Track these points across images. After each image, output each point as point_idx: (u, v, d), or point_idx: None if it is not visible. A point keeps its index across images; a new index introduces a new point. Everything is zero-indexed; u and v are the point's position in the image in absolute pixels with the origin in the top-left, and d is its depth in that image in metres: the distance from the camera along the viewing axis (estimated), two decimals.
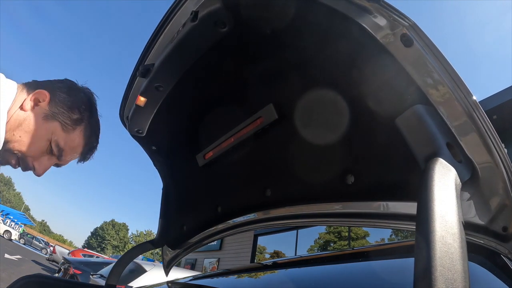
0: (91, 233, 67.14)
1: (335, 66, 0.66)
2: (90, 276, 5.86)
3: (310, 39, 0.64)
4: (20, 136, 0.75)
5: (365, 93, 0.64)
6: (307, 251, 9.21)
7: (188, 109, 0.93)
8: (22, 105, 0.76)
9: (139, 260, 5.94)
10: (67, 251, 18.88)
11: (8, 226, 28.16)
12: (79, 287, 1.73)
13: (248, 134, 0.87)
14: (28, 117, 0.76)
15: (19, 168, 0.79)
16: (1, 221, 27.32)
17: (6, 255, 13.51)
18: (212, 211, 1.15)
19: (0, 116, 0.69)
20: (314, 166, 0.83)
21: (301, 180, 0.87)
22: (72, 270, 6.48)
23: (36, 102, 0.77)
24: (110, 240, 64.00)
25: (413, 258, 0.37)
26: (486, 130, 0.51)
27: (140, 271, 4.83)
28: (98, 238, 64.66)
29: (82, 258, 11.67)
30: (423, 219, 0.39)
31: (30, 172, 0.80)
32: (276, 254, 10.40)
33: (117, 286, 1.28)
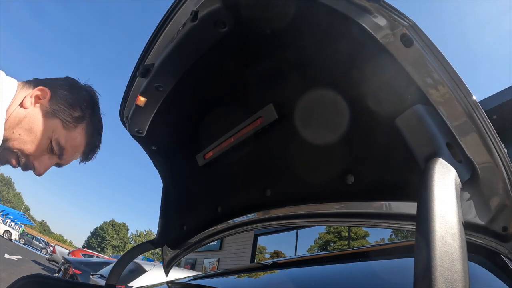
0: (91, 233, 67.15)
1: (335, 66, 0.66)
2: (90, 276, 5.86)
3: (310, 39, 0.64)
4: (19, 134, 0.73)
5: (365, 93, 0.64)
6: (307, 251, 9.21)
7: (188, 109, 0.93)
8: (22, 102, 0.74)
9: (139, 260, 5.94)
10: (67, 251, 18.88)
11: (8, 226, 28.16)
12: (79, 287, 1.73)
13: (248, 134, 0.87)
14: (28, 115, 0.74)
15: (19, 168, 0.78)
16: (1, 221, 27.31)
17: (6, 255, 13.51)
18: (212, 211, 1.15)
19: None
20: (314, 166, 0.83)
21: (301, 180, 0.87)
22: (72, 270, 6.49)
23: (36, 100, 0.76)
24: (110, 240, 63.99)
25: (413, 258, 0.37)
26: (486, 130, 0.51)
27: (140, 271, 4.83)
28: (98, 238, 64.65)
29: (82, 258, 11.67)
30: (423, 219, 0.39)
31: (30, 172, 0.78)
32: (276, 254, 10.40)
33: (117, 286, 1.28)
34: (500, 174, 0.53)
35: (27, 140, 0.74)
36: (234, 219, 1.13)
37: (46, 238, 42.49)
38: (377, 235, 7.66)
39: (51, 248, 24.39)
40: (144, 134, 0.97)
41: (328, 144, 0.76)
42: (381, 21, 0.50)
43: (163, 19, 0.71)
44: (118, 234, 65.29)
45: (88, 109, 0.82)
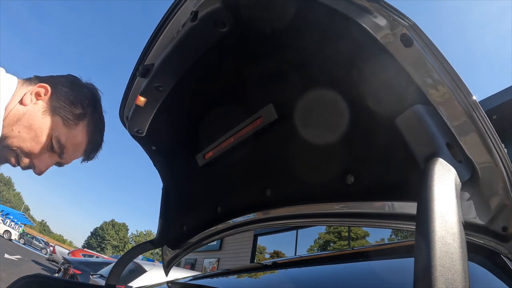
0: (91, 233, 67.16)
1: (335, 66, 0.66)
2: (90, 276, 5.86)
3: (310, 39, 0.64)
4: (19, 132, 0.71)
5: (365, 93, 0.64)
6: (307, 251, 9.21)
7: (188, 109, 0.93)
8: (22, 99, 0.73)
9: (139, 260, 5.94)
10: (67, 251, 18.89)
11: (8, 226, 28.16)
12: (79, 287, 1.73)
13: (248, 134, 0.87)
14: (28, 112, 0.72)
15: (19, 167, 0.76)
16: (1, 221, 27.31)
17: (6, 255, 13.51)
18: (212, 211, 1.15)
19: None
20: (314, 166, 0.83)
21: (301, 180, 0.87)
22: (72, 270, 6.49)
23: (37, 97, 0.74)
24: (110, 240, 64.00)
25: (413, 258, 0.37)
26: (486, 130, 0.51)
27: (140, 271, 4.83)
28: (98, 238, 64.66)
29: (82, 258, 11.67)
30: (423, 219, 0.39)
31: (30, 172, 0.77)
32: (276, 254, 10.41)
33: (117, 286, 1.28)
34: (500, 174, 0.53)
35: (27, 138, 0.72)
36: (234, 219, 1.13)
37: (46, 238, 42.50)
38: (377, 235, 7.67)
39: (51, 248, 24.40)
40: (144, 134, 0.97)
41: (328, 144, 0.76)
42: (381, 21, 0.50)
43: (163, 19, 0.71)
44: (118, 234, 65.29)
45: (89, 107, 0.80)
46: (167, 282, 1.36)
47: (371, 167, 0.72)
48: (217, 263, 11.91)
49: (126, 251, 1.37)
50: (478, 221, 0.59)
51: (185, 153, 1.09)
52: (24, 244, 28.70)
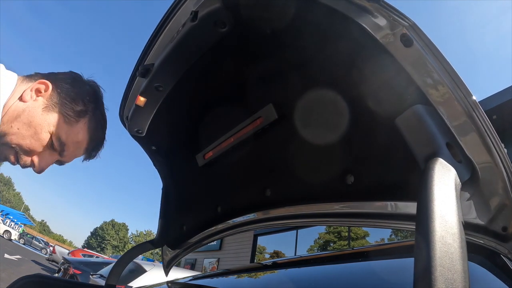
0: (91, 233, 67.16)
1: (335, 66, 0.66)
2: (90, 276, 5.86)
3: (310, 39, 0.64)
4: (18, 128, 0.70)
5: (365, 93, 0.64)
6: (307, 251, 9.21)
7: (188, 109, 0.93)
8: (21, 96, 0.71)
9: (139, 260, 5.95)
10: (67, 251, 18.89)
11: (8, 226, 28.17)
12: (79, 287, 1.73)
13: (248, 134, 0.87)
14: (27, 108, 0.70)
15: (19, 166, 0.74)
16: (1, 221, 27.31)
17: (6, 255, 13.50)
18: (212, 211, 1.15)
19: None
20: (314, 166, 0.83)
21: (301, 180, 0.87)
22: (72, 270, 6.49)
23: (37, 93, 0.72)
24: (110, 240, 64.00)
25: (413, 258, 0.37)
26: (485, 130, 0.51)
27: (140, 271, 4.83)
28: (98, 238, 64.66)
29: (81, 258, 11.67)
30: (423, 219, 0.39)
31: (30, 171, 0.76)
32: (276, 254, 10.41)
33: (117, 286, 1.28)
34: (500, 174, 0.53)
35: (26, 135, 0.70)
36: (234, 219, 1.13)
37: (46, 238, 42.52)
38: (377, 235, 7.67)
39: (51, 248, 24.41)
40: (144, 134, 0.97)
41: (328, 144, 0.76)
42: (381, 21, 0.50)
43: (163, 19, 0.71)
44: (118, 234, 65.29)
45: (91, 103, 0.78)
46: (167, 282, 1.36)
47: (371, 167, 0.72)
48: (217, 263, 11.91)
49: (126, 251, 1.37)
50: (478, 221, 0.59)
51: (185, 153, 1.09)
52: (24, 244, 28.71)
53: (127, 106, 0.92)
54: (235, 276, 1.33)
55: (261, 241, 10.79)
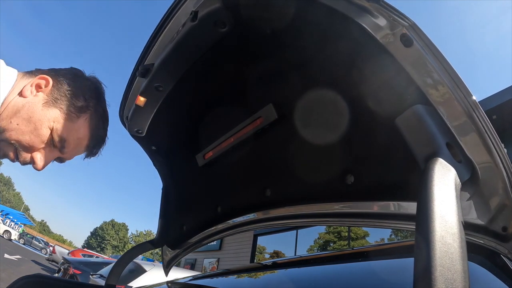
0: (91, 233, 67.17)
1: (335, 66, 0.66)
2: (90, 276, 5.86)
3: (310, 39, 0.64)
4: (17, 124, 0.68)
5: (365, 93, 0.64)
6: (307, 251, 9.21)
7: (188, 109, 0.93)
8: (21, 91, 0.70)
9: (139, 260, 5.95)
10: (67, 251, 18.89)
11: (8, 226, 28.18)
12: (79, 287, 1.73)
13: (248, 134, 0.87)
14: (27, 104, 0.69)
15: (19, 164, 0.72)
16: (1, 221, 27.31)
17: (6, 255, 13.50)
18: (212, 211, 1.15)
19: None
20: (314, 166, 0.83)
21: (301, 180, 0.87)
22: (71, 270, 6.49)
23: (37, 88, 0.71)
24: (109, 240, 64.00)
25: (413, 258, 0.37)
26: (485, 130, 0.51)
27: (140, 271, 4.84)
28: (98, 238, 64.67)
29: (81, 258, 11.67)
30: (423, 219, 0.39)
31: (30, 170, 0.75)
32: (276, 254, 10.41)
33: (117, 286, 1.28)
34: (499, 174, 0.53)
35: (26, 131, 0.69)
36: (234, 219, 1.13)
37: (45, 238, 42.52)
38: (377, 235, 7.67)
39: (51, 248, 24.42)
40: (144, 134, 0.97)
41: (328, 144, 0.76)
42: (381, 21, 0.50)
43: (163, 19, 0.71)
44: (118, 234, 65.30)
45: (92, 99, 0.77)
46: (167, 282, 1.36)
47: (371, 167, 0.72)
48: (217, 263, 11.91)
49: (126, 251, 1.37)
50: (478, 221, 0.59)
51: (185, 153, 1.09)
52: (24, 244, 28.71)
53: (127, 106, 0.92)
54: (235, 276, 1.33)
55: (261, 241, 10.79)
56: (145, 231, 64.54)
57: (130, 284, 4.36)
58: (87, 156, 0.83)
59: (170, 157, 1.14)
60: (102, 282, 2.58)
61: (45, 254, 26.49)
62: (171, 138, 1.06)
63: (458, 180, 0.46)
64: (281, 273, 1.24)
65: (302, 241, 9.30)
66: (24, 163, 0.73)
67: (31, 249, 26.99)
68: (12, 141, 0.69)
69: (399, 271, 0.83)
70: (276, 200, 0.95)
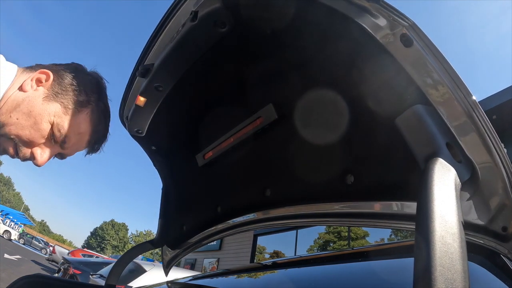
0: (91, 233, 67.18)
1: (335, 66, 0.66)
2: (90, 276, 5.86)
3: (310, 39, 0.64)
4: (17, 119, 0.67)
5: (365, 93, 0.64)
6: (307, 251, 9.21)
7: (187, 109, 0.93)
8: (21, 86, 0.68)
9: (139, 260, 5.95)
10: (67, 251, 18.90)
11: (8, 226, 28.18)
12: (79, 287, 1.73)
13: (248, 134, 0.87)
14: (28, 98, 0.68)
15: (19, 160, 0.71)
16: (1, 221, 27.31)
17: (6, 255, 13.50)
18: (212, 211, 1.15)
19: None
20: (314, 166, 0.83)
21: (300, 180, 0.87)
22: (71, 270, 6.49)
23: (37, 83, 0.70)
24: (109, 240, 64.00)
25: (413, 258, 0.37)
26: (485, 130, 0.51)
27: (140, 271, 4.84)
28: (98, 238, 64.67)
29: (81, 258, 11.68)
30: (422, 219, 0.39)
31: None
32: (276, 254, 10.41)
33: (117, 286, 1.28)
34: (499, 174, 0.53)
35: (26, 125, 0.67)
36: (234, 219, 1.13)
37: (45, 238, 42.53)
38: (377, 235, 7.67)
39: (51, 248, 24.43)
40: (144, 134, 0.97)
41: (328, 144, 0.76)
42: (381, 21, 0.50)
43: (163, 19, 0.71)
44: (117, 234, 65.31)
45: (93, 94, 0.75)
46: (167, 282, 1.36)
47: (371, 167, 0.72)
48: (217, 263, 11.91)
49: (126, 251, 1.37)
50: (478, 221, 0.59)
51: (185, 153, 1.09)
52: (23, 244, 28.72)
53: (127, 106, 0.92)
54: (235, 276, 1.33)
55: (261, 241, 10.79)
56: (145, 231, 64.58)
57: (130, 284, 4.36)
58: (88, 152, 0.81)
59: (170, 157, 1.14)
60: (102, 282, 2.58)
61: (45, 254, 26.50)
62: (171, 138, 1.06)
63: (458, 180, 0.46)
64: (281, 273, 1.24)
65: (302, 241, 9.30)
66: (24, 158, 0.71)
67: (31, 249, 27.00)
68: (12, 136, 0.68)
69: (399, 271, 0.83)
70: (276, 200, 0.95)
